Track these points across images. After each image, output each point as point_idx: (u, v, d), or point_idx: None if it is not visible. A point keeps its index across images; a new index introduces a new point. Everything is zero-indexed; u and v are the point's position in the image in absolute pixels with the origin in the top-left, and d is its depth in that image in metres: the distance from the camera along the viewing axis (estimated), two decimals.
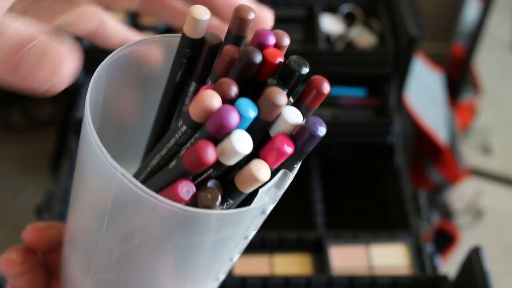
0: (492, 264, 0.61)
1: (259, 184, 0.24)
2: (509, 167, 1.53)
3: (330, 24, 0.93)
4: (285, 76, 0.25)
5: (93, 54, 0.49)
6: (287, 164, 0.25)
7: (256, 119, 0.24)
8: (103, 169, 0.24)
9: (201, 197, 0.24)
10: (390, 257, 0.75)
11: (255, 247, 0.75)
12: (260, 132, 0.24)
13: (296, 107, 0.25)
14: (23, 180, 1.40)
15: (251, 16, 0.25)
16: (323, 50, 0.86)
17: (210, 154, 0.23)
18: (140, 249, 0.28)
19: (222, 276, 0.33)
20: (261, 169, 0.24)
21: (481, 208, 1.42)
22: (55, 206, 0.76)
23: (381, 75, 0.87)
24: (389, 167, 0.87)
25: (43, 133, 1.46)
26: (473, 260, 0.62)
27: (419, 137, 1.19)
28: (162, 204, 0.23)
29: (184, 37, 0.27)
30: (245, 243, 0.30)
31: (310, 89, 0.25)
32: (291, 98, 0.26)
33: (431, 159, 1.22)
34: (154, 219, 0.25)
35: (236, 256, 0.31)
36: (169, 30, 0.89)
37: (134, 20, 0.93)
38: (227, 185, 0.25)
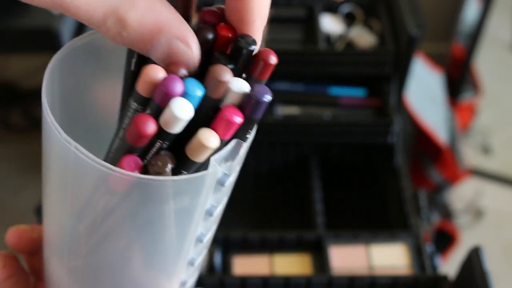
0: (492, 264, 0.61)
1: (209, 152, 0.25)
2: (509, 167, 1.53)
3: (330, 24, 0.93)
4: (234, 54, 0.25)
5: None
6: (240, 134, 0.26)
7: (204, 97, 0.24)
8: (59, 146, 0.25)
9: (151, 164, 0.24)
10: (390, 257, 0.75)
11: (255, 247, 0.75)
12: (211, 110, 0.25)
13: (246, 81, 0.25)
14: (23, 180, 1.40)
15: None
16: (323, 50, 0.86)
17: (148, 125, 0.23)
18: (103, 227, 0.28)
19: (197, 261, 0.32)
20: (209, 136, 0.24)
21: (481, 208, 1.42)
22: None
23: (381, 75, 0.87)
24: (389, 167, 0.87)
25: None
26: (473, 260, 0.61)
27: (419, 137, 1.19)
28: (115, 174, 0.24)
29: None
30: (212, 221, 0.30)
31: (257, 61, 0.25)
32: (244, 75, 0.26)
33: (431, 159, 1.22)
34: (111, 192, 0.26)
35: (206, 236, 0.31)
36: None
37: None
38: (179, 157, 0.25)
